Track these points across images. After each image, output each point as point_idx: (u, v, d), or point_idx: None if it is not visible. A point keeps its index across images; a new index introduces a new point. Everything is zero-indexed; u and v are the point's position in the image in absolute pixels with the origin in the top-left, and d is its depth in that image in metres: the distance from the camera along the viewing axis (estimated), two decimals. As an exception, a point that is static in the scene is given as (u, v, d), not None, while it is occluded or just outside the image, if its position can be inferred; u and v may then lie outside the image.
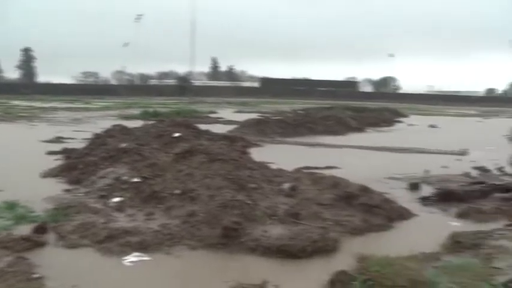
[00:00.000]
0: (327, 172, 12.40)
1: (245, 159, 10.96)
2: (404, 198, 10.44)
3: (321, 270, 6.28)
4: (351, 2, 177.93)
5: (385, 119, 37.75)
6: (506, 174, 13.98)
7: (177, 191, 9.02)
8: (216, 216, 7.85)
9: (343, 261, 6.33)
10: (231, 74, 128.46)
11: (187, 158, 10.30)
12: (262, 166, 11.14)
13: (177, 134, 14.64)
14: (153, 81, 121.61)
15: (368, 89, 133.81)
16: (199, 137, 14.79)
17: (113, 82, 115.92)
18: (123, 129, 16.20)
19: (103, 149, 13.21)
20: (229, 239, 7.37)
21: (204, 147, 10.58)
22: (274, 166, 12.18)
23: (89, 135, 16.46)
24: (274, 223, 7.91)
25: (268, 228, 7.68)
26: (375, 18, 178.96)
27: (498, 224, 8.67)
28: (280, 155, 16.33)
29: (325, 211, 8.58)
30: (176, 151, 10.96)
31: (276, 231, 7.54)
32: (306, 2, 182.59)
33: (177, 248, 7.29)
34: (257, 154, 13.78)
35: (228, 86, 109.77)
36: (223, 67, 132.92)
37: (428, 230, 8.47)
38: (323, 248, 7.18)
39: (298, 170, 12.06)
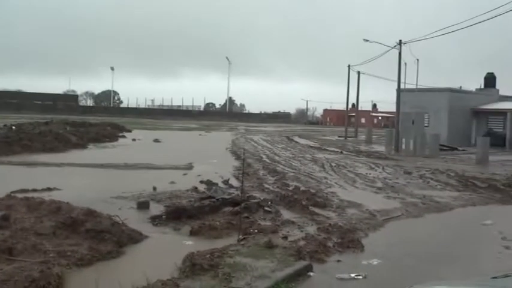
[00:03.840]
0: (46, 195, 11.48)
1: None
2: (133, 219, 10.03)
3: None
4: (60, 15, 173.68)
5: (108, 134, 37.22)
6: (232, 186, 14.59)
7: None
8: None
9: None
10: None
11: None
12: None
13: None
14: None
15: (89, 103, 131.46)
16: None
17: None
18: None
19: None
20: None
21: None
22: (-20, 193, 10.80)
23: None
24: (-18, 263, 6.74)
25: (-26, 270, 6.49)
26: (90, 32, 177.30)
27: (231, 240, 8.77)
28: (-11, 178, 14.61)
29: (46, 242, 7.67)
30: None
31: (-16, 274, 6.40)
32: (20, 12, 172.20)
33: None
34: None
35: None
36: None
37: (162, 253, 8.16)
38: (45, 288, 6.30)
39: (11, 196, 10.79)
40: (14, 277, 6.23)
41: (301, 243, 8.61)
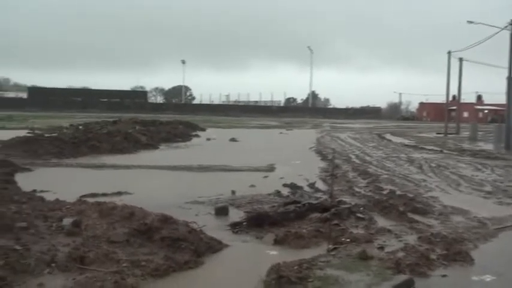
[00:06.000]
0: (117, 199, 11.82)
1: (10, 189, 9.81)
2: (212, 226, 10.11)
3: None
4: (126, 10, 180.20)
5: (180, 133, 37.92)
6: (319, 190, 14.50)
7: None
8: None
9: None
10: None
11: None
12: (34, 197, 10.12)
13: None
14: None
15: (159, 99, 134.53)
16: None
17: None
18: None
19: None
20: (-12, 300, 6.31)
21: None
22: (50, 196, 11.38)
23: None
24: (54, 272, 6.99)
25: (46, 279, 6.74)
26: (156, 26, 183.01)
27: (320, 250, 8.69)
28: (57, 181, 15.22)
29: (119, 250, 7.86)
30: None
31: (55, 283, 6.63)
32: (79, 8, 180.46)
33: None
34: (27, 181, 12.74)
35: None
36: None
37: (244, 263, 8.19)
38: (119, 299, 6.47)
39: (81, 200, 11.17)
40: (87, 287, 6.44)
41: (400, 254, 8.41)
